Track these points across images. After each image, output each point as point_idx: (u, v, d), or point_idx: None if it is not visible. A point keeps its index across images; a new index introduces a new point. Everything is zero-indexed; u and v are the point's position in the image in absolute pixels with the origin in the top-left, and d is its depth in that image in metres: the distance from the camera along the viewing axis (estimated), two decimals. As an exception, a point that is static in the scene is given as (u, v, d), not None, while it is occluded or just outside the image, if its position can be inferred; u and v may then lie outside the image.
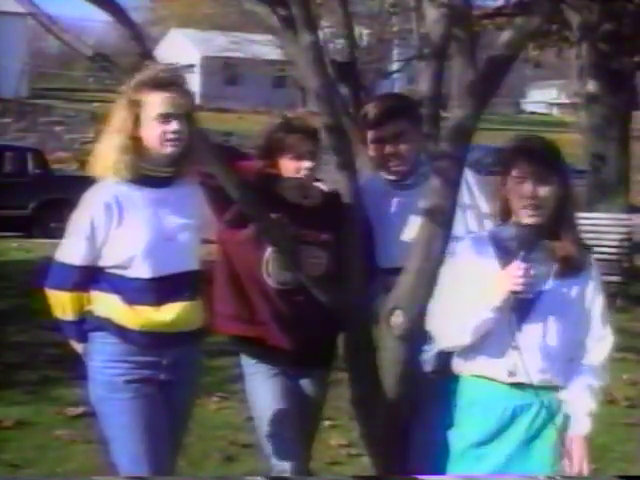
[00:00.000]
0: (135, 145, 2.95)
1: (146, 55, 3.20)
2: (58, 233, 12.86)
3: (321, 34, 3.83)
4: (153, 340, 2.98)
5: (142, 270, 2.95)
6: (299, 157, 3.24)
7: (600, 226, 9.99)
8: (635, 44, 11.64)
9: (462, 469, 2.87)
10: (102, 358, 2.99)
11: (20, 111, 26.47)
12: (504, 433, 2.82)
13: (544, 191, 2.79)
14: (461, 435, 2.89)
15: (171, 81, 2.97)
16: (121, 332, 2.96)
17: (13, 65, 30.33)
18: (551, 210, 2.81)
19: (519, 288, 2.72)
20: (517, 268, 2.73)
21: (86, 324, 3.03)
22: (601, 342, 2.87)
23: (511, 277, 2.73)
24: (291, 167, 3.26)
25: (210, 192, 3.15)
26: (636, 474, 4.68)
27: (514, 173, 2.83)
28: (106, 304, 2.99)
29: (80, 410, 5.29)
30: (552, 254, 2.82)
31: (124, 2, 3.36)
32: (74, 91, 35.77)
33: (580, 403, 2.82)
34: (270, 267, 3.23)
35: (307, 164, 3.24)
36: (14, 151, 15.44)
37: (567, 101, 35.65)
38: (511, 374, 2.79)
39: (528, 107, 54.41)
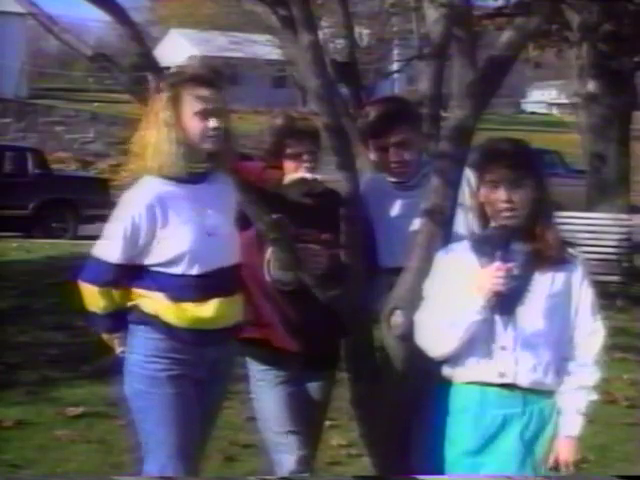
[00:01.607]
0: (184, 140, 2.96)
1: (146, 55, 3.21)
2: (58, 233, 12.89)
3: (321, 34, 3.83)
4: (199, 337, 2.99)
5: (188, 267, 2.96)
6: (300, 157, 3.25)
7: (600, 226, 10.00)
8: (635, 44, 11.64)
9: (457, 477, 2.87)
10: (144, 352, 2.99)
11: (20, 111, 26.45)
12: (495, 442, 2.79)
13: (518, 195, 2.78)
14: (453, 442, 2.87)
15: (211, 77, 2.99)
16: (168, 329, 2.97)
17: (13, 65, 30.32)
18: (527, 211, 2.80)
19: (500, 288, 2.71)
20: (497, 269, 2.72)
21: (130, 316, 3.04)
22: (592, 337, 2.83)
23: (491, 278, 2.72)
24: (292, 167, 3.26)
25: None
26: (636, 474, 4.68)
27: (487, 178, 2.82)
28: (152, 301, 2.99)
29: (80, 410, 5.30)
30: (532, 253, 2.80)
31: (124, 2, 3.36)
32: (74, 91, 35.73)
33: (570, 403, 2.79)
34: (272, 268, 3.23)
35: (307, 164, 3.24)
36: (14, 151, 15.44)
37: (567, 101, 35.63)
38: (501, 375, 2.77)
39: (528, 107, 54.41)
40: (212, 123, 2.95)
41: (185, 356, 2.99)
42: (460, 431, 2.84)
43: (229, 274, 3.05)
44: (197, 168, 3.01)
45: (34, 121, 26.37)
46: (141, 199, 2.96)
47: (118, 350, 3.11)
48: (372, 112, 3.45)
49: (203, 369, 3.04)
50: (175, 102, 2.95)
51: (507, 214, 2.79)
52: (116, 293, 3.02)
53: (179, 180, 2.98)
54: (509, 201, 2.78)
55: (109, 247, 2.99)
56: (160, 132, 2.95)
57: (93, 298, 3.02)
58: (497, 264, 2.73)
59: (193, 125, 2.95)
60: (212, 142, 2.96)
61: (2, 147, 15.77)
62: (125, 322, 3.06)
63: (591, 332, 2.84)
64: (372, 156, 3.46)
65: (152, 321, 2.98)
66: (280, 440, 3.25)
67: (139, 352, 3.01)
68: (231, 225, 3.09)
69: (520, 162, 2.80)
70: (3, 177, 14.23)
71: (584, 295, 2.84)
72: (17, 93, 29.69)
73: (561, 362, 2.82)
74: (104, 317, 3.04)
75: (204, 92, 2.95)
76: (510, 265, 2.73)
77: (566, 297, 2.82)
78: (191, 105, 2.95)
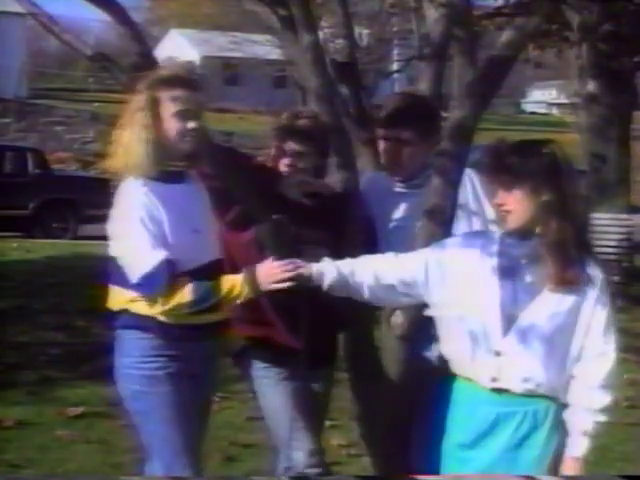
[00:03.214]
0: (159, 141, 2.97)
1: (146, 55, 3.21)
2: (58, 233, 12.92)
3: (321, 34, 3.84)
4: (190, 333, 2.99)
5: (178, 265, 2.94)
6: (299, 156, 3.25)
7: (600, 226, 10.00)
8: (635, 44, 11.65)
9: (447, 469, 2.87)
10: (139, 353, 2.99)
11: (20, 111, 26.49)
12: (487, 439, 2.78)
13: (510, 198, 2.72)
14: (446, 435, 2.88)
15: (189, 78, 2.99)
16: (161, 328, 2.96)
17: (13, 65, 30.33)
18: (529, 216, 2.72)
19: (272, 287, 2.86)
20: (269, 267, 2.86)
21: (118, 321, 3.02)
22: (600, 360, 2.75)
23: (265, 274, 2.85)
24: (291, 166, 3.26)
25: (211, 193, 3.16)
26: (636, 474, 4.68)
27: (488, 181, 2.82)
28: (143, 302, 2.97)
29: (80, 410, 5.30)
30: (544, 261, 2.72)
31: (124, 1, 3.36)
32: (74, 91, 35.76)
33: (575, 424, 2.74)
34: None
35: (294, 162, 3.24)
36: (14, 151, 15.46)
37: (567, 101, 35.63)
38: (493, 380, 2.74)
39: (528, 107, 54.43)
40: (190, 124, 2.95)
41: (179, 352, 2.99)
42: (454, 424, 2.85)
43: (216, 268, 3.04)
44: (175, 167, 3.01)
45: (34, 121, 26.41)
46: (136, 198, 2.93)
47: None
48: (387, 103, 3.44)
49: (197, 364, 3.04)
50: (152, 103, 2.96)
51: (502, 218, 2.77)
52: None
53: (161, 179, 2.98)
54: (501, 204, 2.75)
55: (143, 252, 2.89)
56: (133, 132, 2.96)
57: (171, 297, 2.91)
58: (269, 262, 2.87)
59: (171, 126, 2.96)
60: (189, 143, 2.97)
61: (2, 147, 15.79)
62: None
63: (600, 355, 2.74)
64: (378, 147, 3.44)
65: (144, 322, 2.97)
66: (289, 435, 3.25)
67: (132, 354, 3.00)
68: (211, 222, 3.09)
69: (513, 165, 2.72)
70: (3, 177, 14.25)
71: (597, 316, 2.73)
72: (17, 93, 29.70)
73: (566, 378, 2.76)
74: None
75: (181, 93, 2.96)
76: (284, 263, 2.85)
77: (576, 314, 2.72)
78: (169, 106, 2.96)
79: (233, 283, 2.92)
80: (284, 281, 2.86)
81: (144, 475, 3.07)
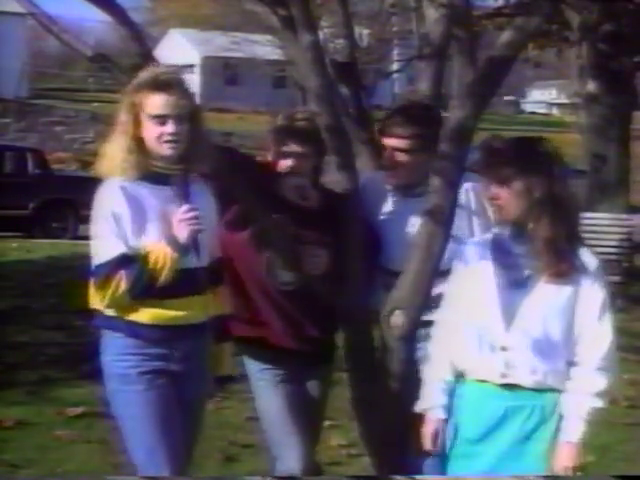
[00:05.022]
0: (139, 145, 2.96)
1: (146, 55, 3.21)
2: (58, 233, 12.89)
3: (321, 34, 3.84)
4: (163, 333, 2.98)
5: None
6: (295, 156, 3.24)
7: (600, 226, 10.00)
8: (635, 44, 11.65)
9: (455, 466, 2.88)
10: (114, 351, 3.01)
11: (20, 111, 26.48)
12: (496, 433, 2.80)
13: (504, 192, 2.76)
14: (454, 432, 2.88)
15: (168, 82, 2.96)
16: (131, 328, 2.97)
17: (13, 65, 30.32)
18: (522, 211, 2.76)
19: (187, 236, 2.87)
20: (179, 217, 2.87)
21: (96, 320, 3.04)
22: (596, 342, 2.78)
23: (177, 226, 2.86)
24: (288, 166, 3.26)
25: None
26: (636, 474, 4.68)
27: (480, 175, 2.86)
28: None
29: (80, 410, 5.30)
30: (538, 255, 2.76)
31: (124, 2, 3.36)
32: (74, 91, 35.78)
33: (571, 408, 2.76)
34: (271, 268, 3.23)
35: (294, 163, 3.24)
36: (14, 151, 15.45)
37: (567, 101, 35.65)
38: (503, 375, 2.77)
39: (528, 107, 54.43)
40: (168, 128, 2.93)
41: (152, 350, 2.99)
42: (462, 421, 2.86)
43: (196, 275, 3.00)
44: (168, 170, 2.99)
45: (34, 121, 26.41)
46: (109, 195, 2.97)
47: None
48: (393, 109, 3.44)
49: (177, 363, 3.02)
50: (132, 108, 2.96)
51: (496, 212, 2.83)
52: None
53: (147, 180, 2.97)
54: (495, 198, 2.79)
55: (102, 247, 2.95)
56: (114, 137, 2.98)
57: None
58: (179, 211, 2.87)
59: (149, 130, 2.95)
60: (169, 147, 2.94)
61: (2, 147, 15.79)
62: None
63: (595, 337, 2.78)
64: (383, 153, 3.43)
65: (116, 320, 2.98)
66: (283, 438, 3.25)
67: (109, 352, 3.02)
68: (203, 226, 2.99)
69: (506, 161, 2.77)
70: (3, 177, 14.24)
71: (592, 299, 2.78)
72: (17, 93, 29.70)
73: (566, 365, 2.80)
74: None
75: (160, 97, 2.94)
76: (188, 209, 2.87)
77: (573, 302, 2.77)
78: (147, 110, 2.94)
79: (155, 248, 2.90)
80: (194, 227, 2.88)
81: (143, 475, 3.07)
